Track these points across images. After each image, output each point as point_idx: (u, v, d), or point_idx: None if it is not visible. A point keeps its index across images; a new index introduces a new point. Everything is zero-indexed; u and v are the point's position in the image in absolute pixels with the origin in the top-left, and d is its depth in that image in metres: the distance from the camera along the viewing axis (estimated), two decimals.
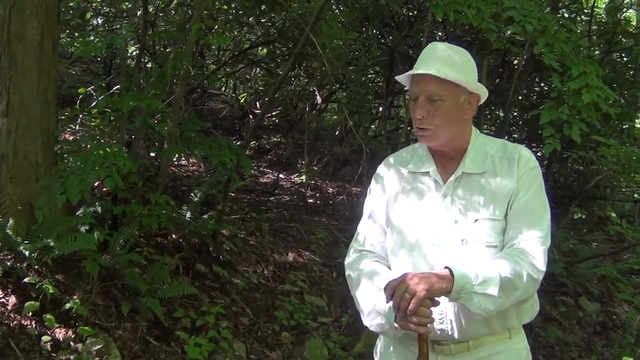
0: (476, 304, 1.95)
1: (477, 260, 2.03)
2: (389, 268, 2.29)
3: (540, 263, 2.05)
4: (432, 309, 1.97)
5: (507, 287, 1.97)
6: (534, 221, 2.10)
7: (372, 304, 2.16)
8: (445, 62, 2.15)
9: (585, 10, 8.17)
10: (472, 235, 2.11)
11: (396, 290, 1.92)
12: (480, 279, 1.94)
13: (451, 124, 2.17)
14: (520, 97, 8.46)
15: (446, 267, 1.96)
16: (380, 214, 2.32)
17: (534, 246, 2.06)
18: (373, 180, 2.41)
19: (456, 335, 2.11)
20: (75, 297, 3.99)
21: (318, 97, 9.26)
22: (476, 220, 2.12)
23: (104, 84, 6.03)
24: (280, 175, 9.23)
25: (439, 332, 2.13)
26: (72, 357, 3.67)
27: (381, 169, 2.41)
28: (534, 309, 2.25)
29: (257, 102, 10.31)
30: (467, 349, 2.15)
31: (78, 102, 5.96)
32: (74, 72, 9.10)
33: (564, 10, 7.76)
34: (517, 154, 2.19)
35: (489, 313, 2.00)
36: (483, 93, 2.23)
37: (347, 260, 2.36)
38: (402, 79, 2.26)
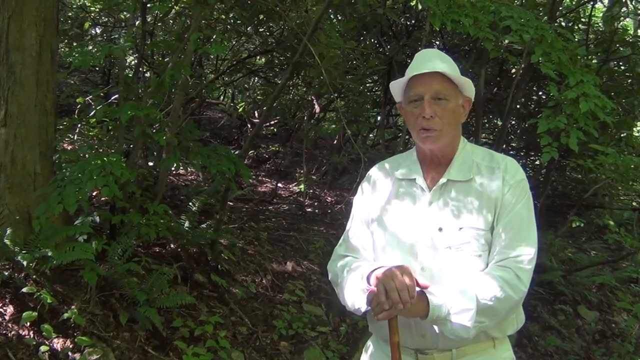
0: (449, 330, 1.98)
1: (457, 286, 2.01)
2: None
3: (525, 283, 2.04)
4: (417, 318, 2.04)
5: (487, 312, 1.98)
6: (522, 238, 2.09)
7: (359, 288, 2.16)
8: (445, 63, 2.18)
9: (583, 19, 8.21)
10: (456, 243, 2.10)
11: (375, 296, 1.95)
12: (456, 310, 1.95)
13: (453, 126, 2.19)
14: (518, 106, 8.48)
15: (424, 292, 1.97)
16: (371, 214, 2.31)
17: (521, 265, 2.05)
18: (365, 182, 2.41)
19: (439, 344, 2.11)
20: (73, 306, 3.98)
21: (316, 106, 9.29)
22: (461, 229, 2.11)
23: (102, 94, 6.02)
24: (279, 184, 9.24)
25: (422, 340, 2.13)
26: None
27: (374, 172, 2.41)
28: (519, 320, 2.23)
29: (256, 111, 10.33)
30: (451, 358, 2.14)
31: (76, 111, 5.96)
32: (72, 82, 9.11)
33: (561, 19, 7.79)
34: (504, 165, 2.19)
35: (463, 340, 2.02)
36: (473, 96, 2.26)
37: (332, 265, 2.37)
38: (400, 83, 2.23)
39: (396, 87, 2.26)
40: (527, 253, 2.07)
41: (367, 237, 2.32)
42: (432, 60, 2.17)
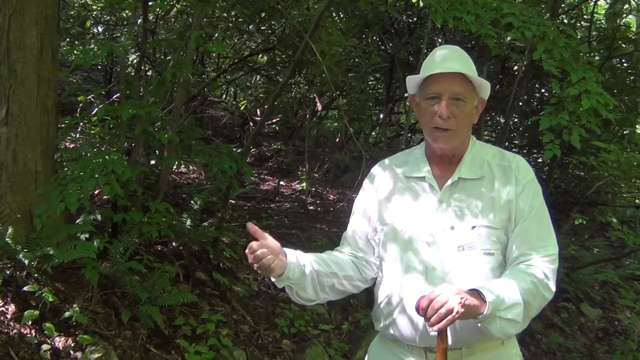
0: (498, 328, 1.94)
1: (501, 282, 2.01)
2: (367, 263, 2.32)
3: (553, 284, 2.06)
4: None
5: (525, 310, 1.97)
6: (543, 237, 2.10)
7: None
8: (466, 63, 2.17)
9: (585, 16, 8.17)
10: (469, 242, 2.09)
11: (433, 302, 1.86)
12: (507, 304, 1.92)
13: (467, 127, 2.19)
14: (520, 104, 8.45)
15: (473, 289, 1.92)
16: (372, 212, 2.31)
17: (548, 266, 2.06)
18: (367, 180, 2.40)
19: (450, 342, 2.08)
20: (75, 305, 3.98)
21: (318, 104, 9.27)
22: (473, 227, 2.10)
23: (103, 92, 6.02)
24: (281, 183, 9.23)
25: (432, 339, 2.11)
26: None
27: (375, 170, 2.40)
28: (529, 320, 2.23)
29: (258, 110, 10.31)
30: (460, 356, 2.13)
31: (78, 110, 5.96)
32: (74, 80, 9.11)
33: (563, 16, 7.76)
34: (514, 164, 2.19)
35: (508, 336, 2.03)
36: (486, 98, 2.24)
37: None
38: (417, 78, 2.20)
39: (412, 80, 2.23)
40: (551, 252, 2.09)
41: (363, 232, 2.33)
42: (454, 60, 2.15)
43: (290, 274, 2.09)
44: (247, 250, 2.01)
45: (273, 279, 2.12)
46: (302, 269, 2.13)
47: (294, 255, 2.13)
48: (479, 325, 1.95)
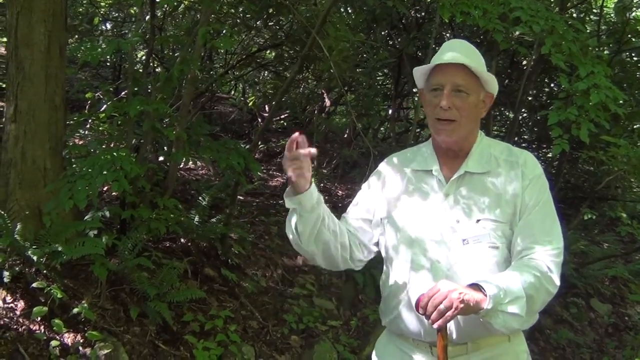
0: (501, 322, 1.92)
1: (502, 275, 1.99)
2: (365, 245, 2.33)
3: (558, 277, 2.04)
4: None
5: (528, 303, 1.95)
6: (547, 232, 2.08)
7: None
8: (472, 56, 2.16)
9: (594, 10, 8.12)
10: (474, 235, 2.09)
11: (432, 299, 1.85)
12: (508, 298, 1.91)
13: (471, 121, 2.17)
14: (529, 98, 8.43)
15: (474, 284, 1.92)
16: (378, 206, 2.30)
17: (552, 260, 2.04)
18: (374, 176, 2.39)
19: (454, 337, 2.08)
20: (83, 301, 3.99)
21: (326, 99, 9.26)
22: (478, 220, 2.10)
23: (112, 89, 6.02)
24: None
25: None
26: None
27: (383, 167, 2.40)
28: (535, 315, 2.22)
29: (266, 105, 10.31)
30: (466, 352, 2.12)
31: (87, 107, 5.97)
32: (82, 77, 9.13)
33: (572, 10, 7.72)
34: (522, 159, 2.17)
35: (512, 331, 2.01)
36: (495, 93, 2.23)
37: None
38: (423, 70, 2.20)
39: (419, 74, 2.23)
40: (555, 246, 2.06)
41: (363, 219, 2.33)
42: (457, 51, 2.15)
43: (306, 199, 2.06)
44: (289, 143, 2.00)
45: (287, 196, 2.10)
46: (316, 205, 2.09)
47: (316, 192, 2.10)
48: (482, 320, 1.94)
